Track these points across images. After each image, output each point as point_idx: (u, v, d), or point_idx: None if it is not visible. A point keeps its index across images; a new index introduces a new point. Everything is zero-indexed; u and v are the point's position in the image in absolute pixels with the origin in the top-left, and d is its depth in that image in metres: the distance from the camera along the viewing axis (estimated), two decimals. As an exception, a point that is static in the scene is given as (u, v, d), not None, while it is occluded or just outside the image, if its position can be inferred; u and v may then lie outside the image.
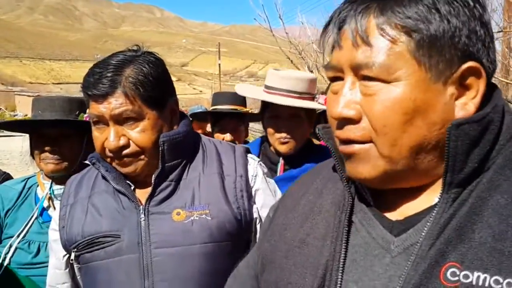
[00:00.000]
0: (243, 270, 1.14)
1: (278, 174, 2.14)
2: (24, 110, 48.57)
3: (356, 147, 0.79)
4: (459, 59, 0.75)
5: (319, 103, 2.11)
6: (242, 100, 3.14)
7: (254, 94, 2.27)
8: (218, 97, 3.30)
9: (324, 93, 2.17)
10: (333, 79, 0.83)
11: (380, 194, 0.85)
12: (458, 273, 0.70)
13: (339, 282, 0.81)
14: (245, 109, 3.12)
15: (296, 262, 0.89)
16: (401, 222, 0.81)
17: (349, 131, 0.79)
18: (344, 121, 0.79)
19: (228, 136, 2.91)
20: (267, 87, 2.14)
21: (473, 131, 0.74)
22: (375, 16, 0.76)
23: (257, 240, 1.41)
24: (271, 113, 2.14)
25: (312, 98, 2.12)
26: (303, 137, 2.14)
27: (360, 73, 0.77)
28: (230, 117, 2.97)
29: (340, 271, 0.82)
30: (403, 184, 0.81)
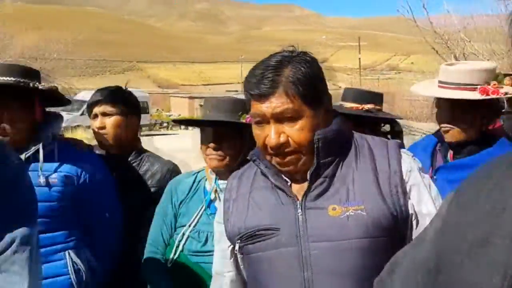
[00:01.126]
0: (406, 262, 1.10)
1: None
2: (178, 110, 52.85)
3: None
4: None
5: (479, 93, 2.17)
6: (360, 98, 2.74)
7: (419, 90, 2.48)
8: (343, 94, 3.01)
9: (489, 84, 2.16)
10: None
11: None
12: None
13: None
14: (354, 105, 2.66)
15: (481, 262, 0.85)
16: None
17: None
18: None
19: None
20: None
21: None
22: None
23: (417, 236, 1.43)
24: (436, 105, 2.29)
25: (474, 88, 2.15)
26: (468, 126, 2.18)
27: None
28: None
29: None
30: None
